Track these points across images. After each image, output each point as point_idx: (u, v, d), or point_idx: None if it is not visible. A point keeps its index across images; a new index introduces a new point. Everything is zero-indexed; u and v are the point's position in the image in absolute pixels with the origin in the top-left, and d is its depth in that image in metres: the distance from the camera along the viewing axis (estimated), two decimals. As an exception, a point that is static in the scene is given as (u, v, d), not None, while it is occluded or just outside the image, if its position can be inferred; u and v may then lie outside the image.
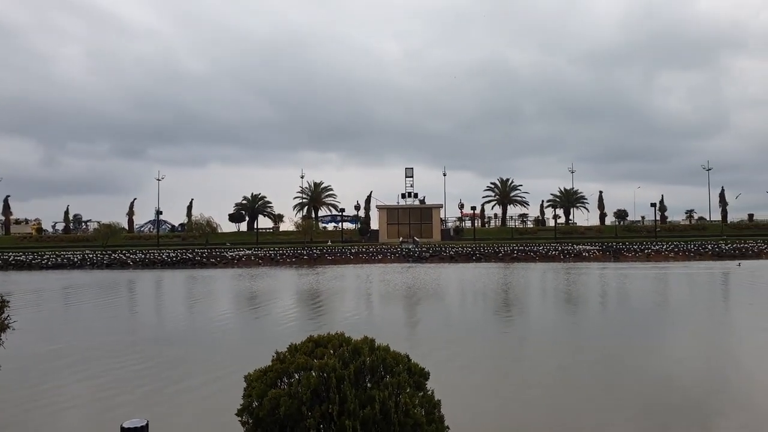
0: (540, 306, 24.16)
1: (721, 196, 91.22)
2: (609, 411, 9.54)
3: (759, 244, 63.14)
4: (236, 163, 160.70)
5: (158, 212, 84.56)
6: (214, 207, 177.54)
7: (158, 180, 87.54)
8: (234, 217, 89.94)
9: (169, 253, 63.86)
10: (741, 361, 13.41)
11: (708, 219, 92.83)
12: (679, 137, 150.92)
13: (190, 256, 62.70)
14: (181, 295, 31.51)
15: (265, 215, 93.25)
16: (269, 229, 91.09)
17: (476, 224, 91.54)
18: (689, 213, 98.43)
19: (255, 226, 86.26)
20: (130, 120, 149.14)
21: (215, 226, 79.35)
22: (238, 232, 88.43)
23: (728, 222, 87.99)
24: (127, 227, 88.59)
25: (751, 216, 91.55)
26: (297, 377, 6.05)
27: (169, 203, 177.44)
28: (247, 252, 63.86)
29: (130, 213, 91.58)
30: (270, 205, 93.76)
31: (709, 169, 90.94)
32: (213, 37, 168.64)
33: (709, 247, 62.31)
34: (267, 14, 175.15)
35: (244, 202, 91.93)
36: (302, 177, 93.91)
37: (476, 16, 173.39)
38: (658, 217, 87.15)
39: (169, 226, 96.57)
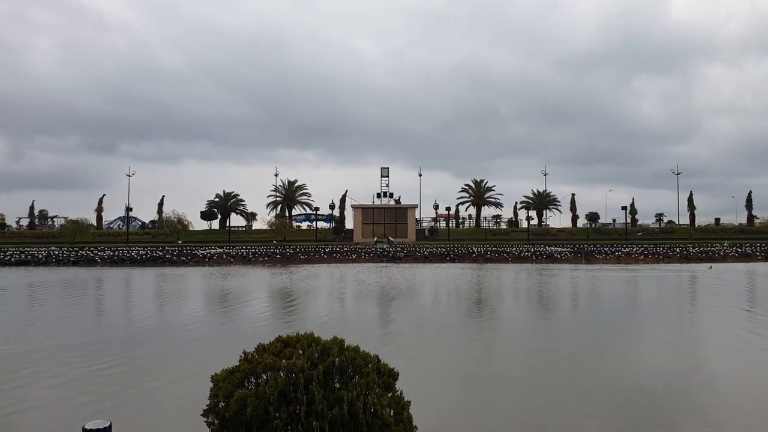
0: (512, 307, 24.34)
1: (690, 200, 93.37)
2: (579, 412, 9.61)
3: (725, 248, 64.73)
4: (210, 160, 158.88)
5: (128, 209, 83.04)
6: (187, 204, 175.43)
7: (129, 176, 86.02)
8: (206, 215, 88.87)
9: (138, 250, 62.73)
10: (710, 362, 13.67)
11: (677, 222, 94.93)
12: (650, 141, 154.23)
13: (161, 253, 61.69)
14: (150, 294, 30.94)
15: (237, 213, 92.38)
16: (242, 227, 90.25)
17: (451, 225, 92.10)
18: (659, 216, 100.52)
19: (227, 225, 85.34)
20: (101, 114, 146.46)
21: (187, 223, 78.26)
22: (210, 230, 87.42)
23: (696, 226, 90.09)
24: (95, 224, 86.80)
25: (717, 220, 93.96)
26: (265, 378, 5.95)
27: (140, 200, 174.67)
28: (218, 250, 63.08)
29: (99, 209, 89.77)
30: (243, 203, 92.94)
31: (678, 174, 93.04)
32: (189, 33, 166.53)
33: (678, 250, 63.64)
34: (245, 11, 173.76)
35: (217, 199, 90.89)
36: (276, 175, 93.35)
37: (454, 17, 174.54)
38: (628, 220, 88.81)
39: (140, 223, 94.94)
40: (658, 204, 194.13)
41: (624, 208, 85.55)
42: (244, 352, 6.46)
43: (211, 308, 23.87)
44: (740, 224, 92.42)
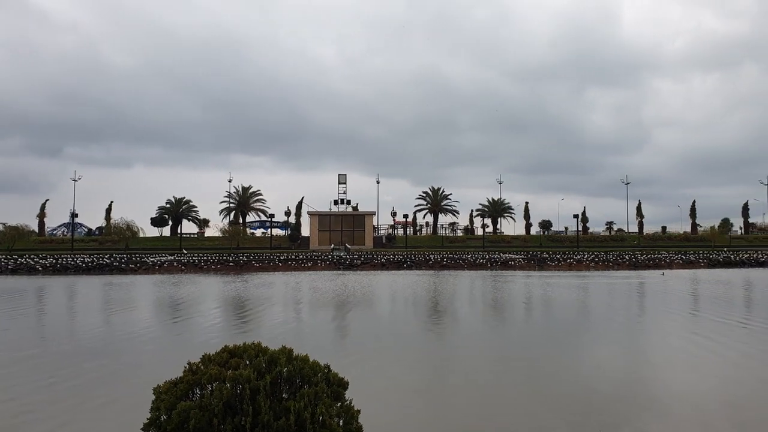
0: (468, 314, 24.48)
1: (638, 209, 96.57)
2: (535, 419, 9.64)
3: (670, 255, 67.14)
4: (162, 164, 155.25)
5: (73, 214, 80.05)
6: (137, 210, 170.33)
7: (75, 180, 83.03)
8: (157, 221, 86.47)
9: (84, 258, 60.41)
10: (663, 367, 14.01)
11: (626, 230, 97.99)
12: (602, 152, 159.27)
13: (108, 261, 59.60)
14: (96, 304, 29.74)
15: (189, 220, 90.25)
16: (194, 234, 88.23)
17: (408, 232, 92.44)
18: (609, 224, 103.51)
19: (179, 231, 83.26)
20: (46, 115, 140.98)
21: (136, 230, 75.87)
22: (161, 237, 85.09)
23: (644, 234, 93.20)
24: (37, 230, 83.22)
25: (664, 228, 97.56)
26: (210, 389, 5.71)
27: (87, 205, 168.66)
28: (169, 258, 61.41)
29: (41, 215, 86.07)
30: (195, 209, 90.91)
31: (627, 183, 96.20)
32: (142, 34, 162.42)
33: (627, 257, 65.60)
34: (200, 12, 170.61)
35: (168, 205, 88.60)
36: (230, 181, 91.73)
37: (415, 26, 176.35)
38: (580, 228, 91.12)
39: (86, 230, 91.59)
40: (608, 212, 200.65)
41: (576, 216, 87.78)
42: (189, 363, 6.19)
43: (160, 318, 23.11)
44: (685, 232, 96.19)
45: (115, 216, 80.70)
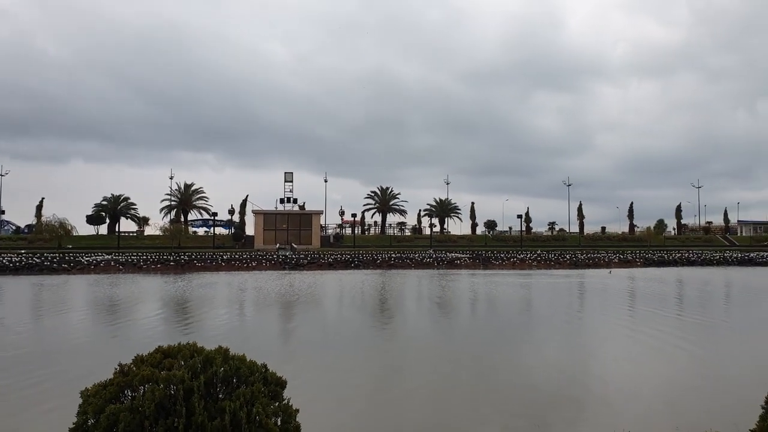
0: (414, 313, 24.59)
1: (579, 209, 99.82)
2: (476, 413, 9.72)
3: (609, 254, 69.68)
4: (100, 160, 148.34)
5: (-1, 211, 75.77)
6: (72, 208, 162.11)
7: (1, 175, 78.70)
8: (93, 219, 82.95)
9: (11, 257, 57.23)
10: (603, 361, 14.44)
11: (568, 230, 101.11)
12: (546, 154, 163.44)
13: (38, 260, 56.70)
14: (23, 306, 28.21)
15: (128, 218, 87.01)
16: (133, 232, 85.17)
17: (356, 231, 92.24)
18: (551, 225, 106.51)
19: (117, 230, 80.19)
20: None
21: (70, 228, 72.36)
22: (98, 236, 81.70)
23: (584, 234, 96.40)
24: (-42, 228, 78.45)
25: (603, 229, 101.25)
26: (142, 391, 5.46)
27: (15, 202, 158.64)
28: (106, 257, 59.03)
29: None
30: (134, 206, 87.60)
31: (569, 185, 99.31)
32: (80, 24, 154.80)
33: (568, 256, 67.65)
34: (143, 4, 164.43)
35: (105, 203, 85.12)
36: (171, 178, 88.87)
37: (365, 25, 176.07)
38: (523, 228, 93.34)
39: (13, 228, 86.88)
40: (551, 213, 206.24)
41: (520, 216, 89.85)
42: (120, 365, 5.90)
43: (94, 320, 22.15)
44: (623, 233, 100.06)
45: (47, 213, 76.81)
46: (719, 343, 16.63)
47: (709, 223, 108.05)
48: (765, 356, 14.53)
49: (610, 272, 51.13)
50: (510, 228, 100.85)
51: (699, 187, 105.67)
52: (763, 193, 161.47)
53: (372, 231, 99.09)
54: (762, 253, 71.33)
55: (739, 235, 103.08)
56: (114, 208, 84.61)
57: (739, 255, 69.72)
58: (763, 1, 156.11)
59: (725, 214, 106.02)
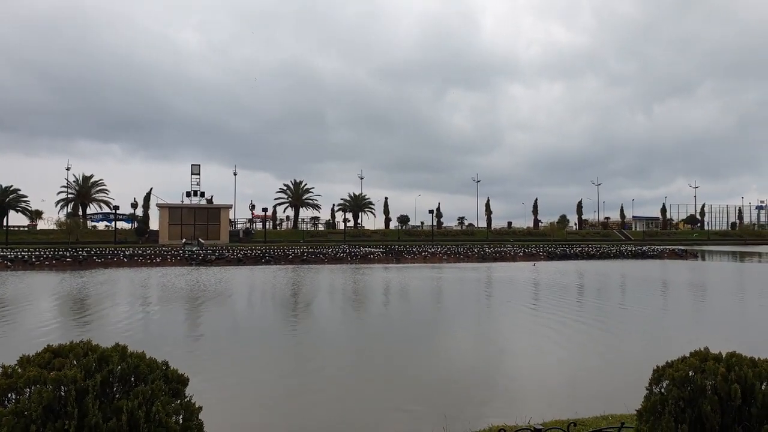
0: (324, 308, 24.55)
1: (487, 205, 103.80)
2: (387, 407, 9.87)
3: (515, 248, 72.83)
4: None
5: None
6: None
7: None
8: (-22, 213, 76.27)
9: None
10: (512, 348, 15.07)
11: (476, 225, 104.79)
12: (459, 151, 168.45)
13: None
14: None
15: (18, 211, 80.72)
16: (24, 227, 79.09)
17: (268, 226, 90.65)
18: (461, 219, 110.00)
19: (5, 223, 74.11)
20: None
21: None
22: (-17, 230, 75.17)
23: (492, 228, 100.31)
24: None
25: (509, 223, 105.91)
26: (28, 393, 5.09)
27: None
28: (-7, 253, 54.36)
29: None
30: (25, 199, 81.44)
31: (478, 182, 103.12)
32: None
33: (476, 250, 70.01)
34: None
35: (-9, 195, 78.57)
36: (68, 169, 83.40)
37: (283, 17, 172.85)
38: (434, 223, 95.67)
39: None
40: (461, 208, 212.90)
41: (431, 211, 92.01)
42: (3, 366, 5.48)
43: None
44: (528, 227, 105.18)
45: None
46: (619, 328, 17.87)
47: (607, 218, 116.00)
48: (657, 338, 15.79)
49: (535, 265, 53.48)
50: (422, 223, 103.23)
51: (598, 185, 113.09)
52: (657, 191, 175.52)
53: (284, 226, 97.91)
54: (653, 247, 77.32)
55: (633, 229, 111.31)
56: (1, 200, 78.19)
57: (633, 248, 75.17)
58: (659, 11, 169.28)
59: (621, 211, 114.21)
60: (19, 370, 5.27)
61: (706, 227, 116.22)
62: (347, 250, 65.90)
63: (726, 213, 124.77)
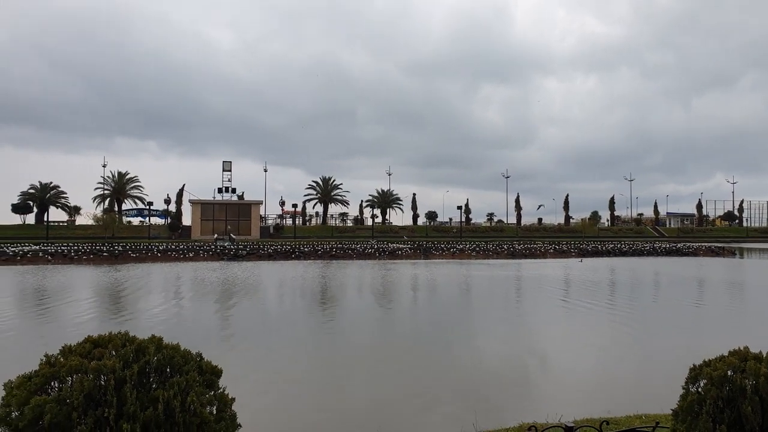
0: (355, 303, 24.66)
1: (517, 201, 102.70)
2: (416, 402, 9.87)
3: (545, 245, 71.95)
4: (32, 146, 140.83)
5: None
6: (0, 195, 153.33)
7: None
8: (19, 208, 78.74)
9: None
10: (552, 344, 14.93)
11: (506, 221, 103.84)
12: (490, 146, 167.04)
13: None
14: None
15: (58, 207, 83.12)
16: (64, 222, 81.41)
17: (297, 222, 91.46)
18: (490, 216, 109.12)
19: (45, 219, 76.38)
20: None
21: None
22: (24, 225, 77.65)
23: (522, 225, 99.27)
24: None
25: (540, 220, 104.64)
26: (70, 381, 5.27)
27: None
28: (34, 247, 56.12)
29: None
30: (65, 195, 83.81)
31: (507, 177, 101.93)
32: (14, 4, 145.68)
33: (505, 247, 69.38)
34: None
35: (32, 191, 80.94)
36: (104, 166, 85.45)
37: (312, 13, 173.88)
38: (463, 219, 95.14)
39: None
40: (491, 204, 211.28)
41: (459, 207, 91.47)
42: (46, 355, 5.68)
43: (23, 311, 21.06)
44: (559, 224, 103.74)
45: (-32, 201, 72.35)
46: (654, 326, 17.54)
47: (641, 215, 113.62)
48: (693, 336, 15.44)
49: (581, 261, 53.15)
50: (450, 219, 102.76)
51: (631, 180, 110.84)
52: (693, 187, 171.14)
53: (313, 222, 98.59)
54: (688, 244, 75.50)
55: (667, 226, 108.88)
56: (42, 196, 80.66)
57: (667, 246, 73.50)
58: (697, 0, 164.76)
59: (655, 207, 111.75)
60: (62, 359, 5.46)
61: (744, 224, 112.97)
62: (375, 246, 66.02)
63: (766, 209, 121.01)
